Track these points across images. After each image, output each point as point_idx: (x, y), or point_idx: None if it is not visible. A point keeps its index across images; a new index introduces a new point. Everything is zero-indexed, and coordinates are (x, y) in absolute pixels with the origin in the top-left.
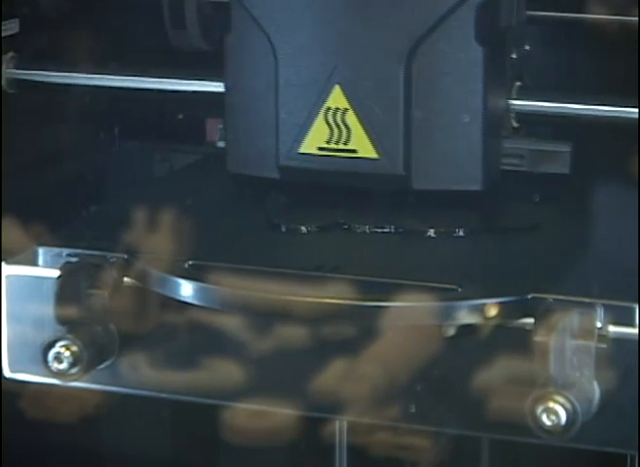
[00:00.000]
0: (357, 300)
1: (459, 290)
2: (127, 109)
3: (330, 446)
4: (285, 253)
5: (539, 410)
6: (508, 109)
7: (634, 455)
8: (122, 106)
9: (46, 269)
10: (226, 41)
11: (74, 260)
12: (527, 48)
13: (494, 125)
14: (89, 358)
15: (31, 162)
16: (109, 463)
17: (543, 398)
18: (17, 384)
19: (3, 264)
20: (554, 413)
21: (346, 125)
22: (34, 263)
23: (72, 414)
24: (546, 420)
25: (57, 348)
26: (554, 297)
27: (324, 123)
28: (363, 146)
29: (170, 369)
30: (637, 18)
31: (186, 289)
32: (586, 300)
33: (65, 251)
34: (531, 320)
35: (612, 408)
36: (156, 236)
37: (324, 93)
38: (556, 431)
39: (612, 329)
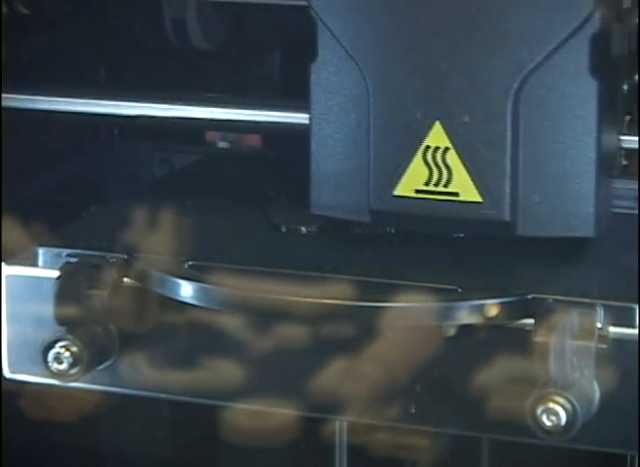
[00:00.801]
0: (357, 300)
1: (459, 290)
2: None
3: (330, 446)
4: (285, 253)
5: (539, 410)
6: (619, 146)
7: (634, 455)
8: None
9: (46, 270)
10: (311, 70)
11: (74, 260)
12: (637, 78)
13: (606, 164)
14: (89, 358)
15: (31, 162)
16: (109, 463)
17: (543, 398)
18: (17, 384)
19: (3, 264)
20: (555, 413)
21: (447, 166)
22: (34, 263)
23: (72, 414)
24: (546, 421)
25: (57, 349)
26: (554, 297)
27: (422, 163)
28: (465, 189)
29: (170, 369)
30: None
31: (186, 289)
32: (586, 300)
33: (65, 251)
34: (531, 320)
35: (612, 408)
36: (156, 236)
37: (423, 131)
38: (556, 431)
39: (612, 329)
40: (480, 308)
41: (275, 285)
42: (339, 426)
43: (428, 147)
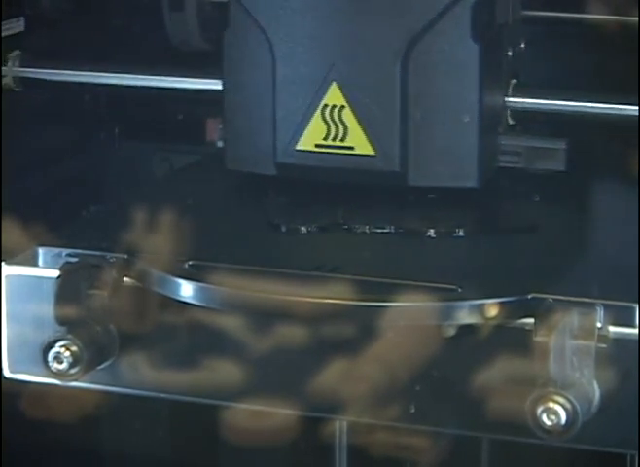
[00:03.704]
0: (357, 300)
1: (459, 290)
2: (128, 109)
3: (330, 446)
4: (285, 253)
5: (539, 410)
6: (504, 106)
7: (634, 455)
8: (122, 106)
9: (46, 270)
10: (223, 38)
11: (74, 260)
12: (523, 46)
13: (491, 122)
14: (89, 358)
15: (31, 162)
16: (109, 463)
17: (543, 398)
18: (17, 384)
19: (3, 264)
20: (554, 413)
21: (343, 123)
22: (34, 263)
23: (72, 414)
24: (546, 420)
25: (57, 348)
26: (554, 297)
27: (321, 120)
28: (359, 143)
29: (170, 369)
30: (634, 18)
31: (186, 289)
32: (586, 300)
33: (65, 251)
34: (531, 320)
35: (612, 408)
36: (156, 236)
37: (321, 91)
38: (556, 431)
39: (612, 329)
40: (480, 308)
41: (275, 285)
42: (339, 426)
43: (326, 105)
